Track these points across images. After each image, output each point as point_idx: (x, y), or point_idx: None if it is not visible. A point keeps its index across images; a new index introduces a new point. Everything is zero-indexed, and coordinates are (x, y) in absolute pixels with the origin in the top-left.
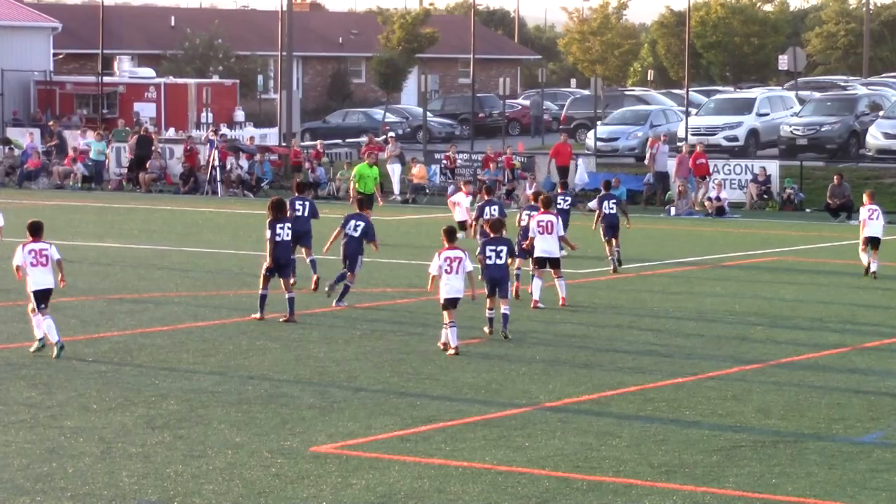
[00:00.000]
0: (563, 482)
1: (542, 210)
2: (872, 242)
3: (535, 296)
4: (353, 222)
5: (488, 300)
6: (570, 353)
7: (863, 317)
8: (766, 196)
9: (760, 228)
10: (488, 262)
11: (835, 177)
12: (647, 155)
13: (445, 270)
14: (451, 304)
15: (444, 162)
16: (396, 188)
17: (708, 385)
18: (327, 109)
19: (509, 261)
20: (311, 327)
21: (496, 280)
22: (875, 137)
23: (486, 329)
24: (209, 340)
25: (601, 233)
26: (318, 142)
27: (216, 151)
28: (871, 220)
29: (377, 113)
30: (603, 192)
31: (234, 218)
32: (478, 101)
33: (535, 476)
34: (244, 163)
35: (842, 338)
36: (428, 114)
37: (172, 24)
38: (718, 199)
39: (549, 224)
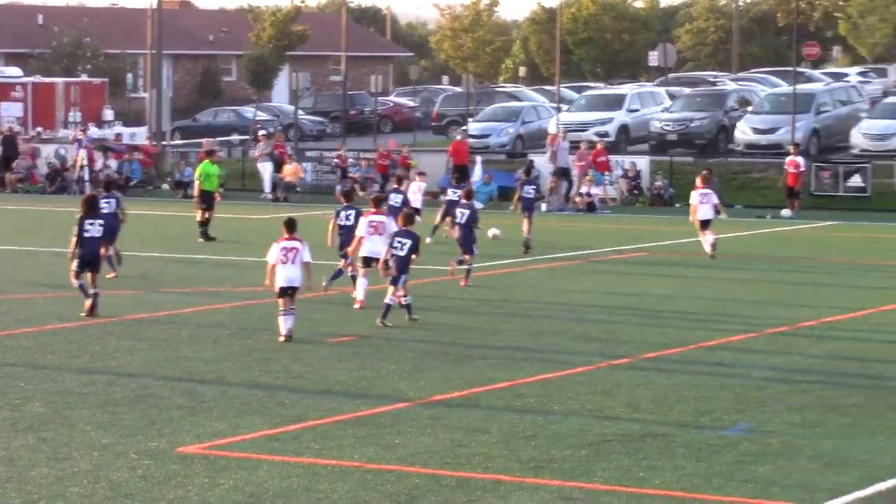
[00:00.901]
0: (432, 479)
1: (373, 210)
2: (703, 224)
3: (360, 296)
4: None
5: (391, 288)
6: (441, 349)
7: (730, 311)
8: (636, 191)
9: (631, 224)
10: (393, 251)
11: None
12: (549, 152)
13: (281, 260)
14: (284, 292)
15: (336, 161)
16: (268, 187)
17: (577, 380)
18: (198, 108)
19: (413, 255)
20: (180, 327)
21: (398, 268)
22: (744, 133)
23: (379, 321)
24: (75, 342)
25: (519, 210)
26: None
27: (84, 151)
28: (702, 203)
29: (248, 111)
30: (524, 178)
31: None
32: (349, 99)
33: (405, 473)
34: (113, 162)
35: (709, 332)
36: (299, 112)
37: (40, 22)
38: (589, 194)
39: (381, 224)
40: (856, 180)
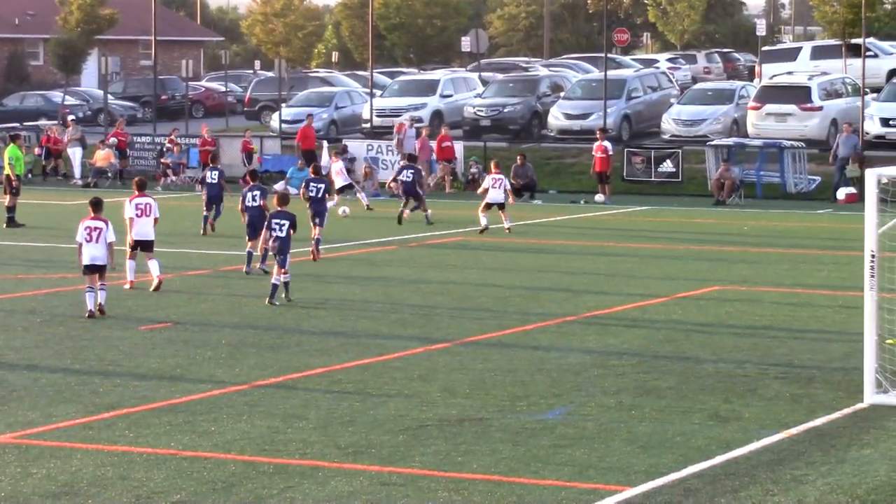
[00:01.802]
0: (249, 466)
1: (137, 194)
2: (499, 207)
3: (130, 276)
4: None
5: (276, 268)
6: (257, 336)
7: (545, 296)
8: (451, 176)
9: (445, 209)
10: (273, 232)
11: (518, 157)
12: (395, 139)
13: (86, 239)
14: (90, 270)
15: (168, 145)
16: (77, 172)
17: (394, 365)
18: (4, 92)
19: (291, 231)
20: None
21: (279, 249)
22: (556, 118)
23: (268, 300)
24: None
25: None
26: None
27: None
28: (493, 188)
29: (56, 96)
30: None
31: None
32: (160, 84)
33: (221, 460)
34: None
35: (525, 316)
36: (109, 96)
37: None
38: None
39: (148, 206)
40: (667, 166)
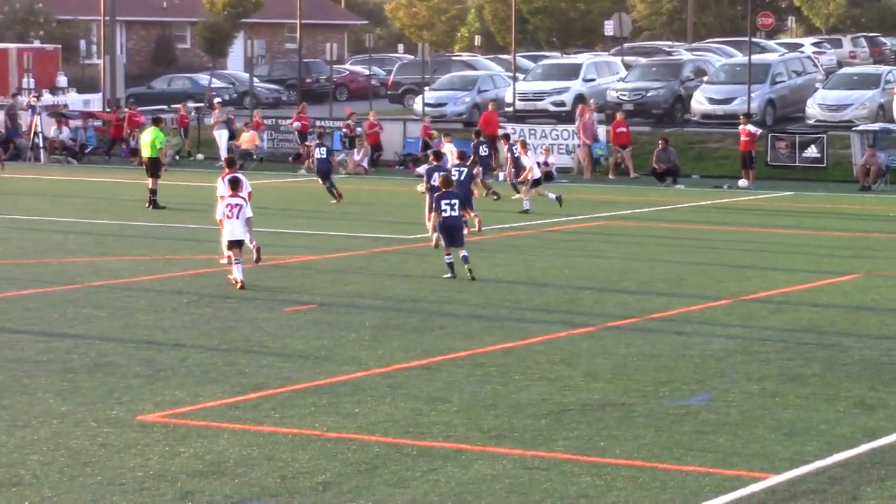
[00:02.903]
0: (392, 448)
1: (228, 171)
2: (536, 182)
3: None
4: None
5: (445, 248)
6: (400, 318)
7: (689, 281)
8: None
9: (588, 193)
10: (443, 213)
11: (660, 142)
12: (578, 122)
13: (227, 215)
14: (233, 245)
15: (345, 130)
16: (223, 154)
17: (537, 349)
18: (152, 75)
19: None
20: (138, 295)
21: (452, 229)
22: (699, 102)
23: (448, 275)
24: (33, 309)
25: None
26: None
27: (38, 117)
28: (534, 167)
29: (203, 79)
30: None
31: (57, 185)
32: (305, 67)
33: (365, 442)
34: (66, 129)
35: (668, 301)
36: (254, 79)
37: None
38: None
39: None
40: (812, 151)
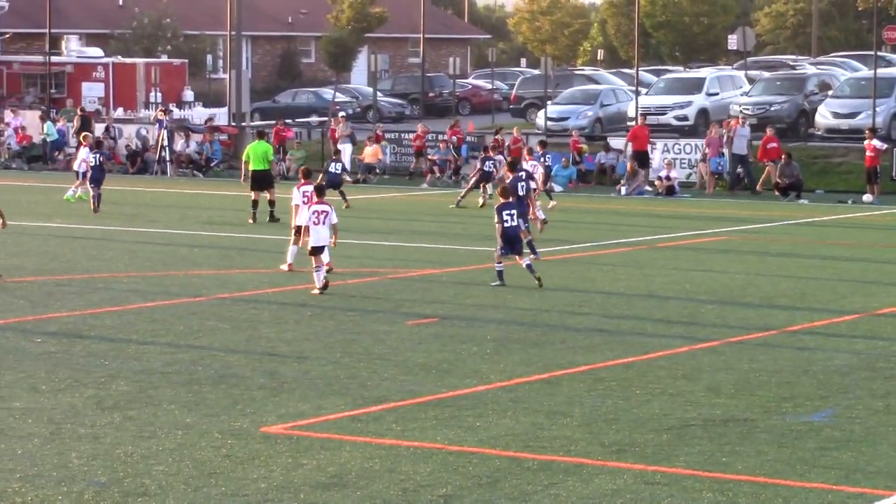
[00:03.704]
0: (513, 462)
1: (303, 181)
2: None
3: (290, 260)
4: None
5: (498, 257)
6: (521, 332)
7: (811, 296)
8: (716, 175)
9: (710, 208)
10: (505, 224)
11: (784, 156)
12: (725, 136)
13: (314, 222)
14: (316, 251)
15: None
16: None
17: (658, 364)
18: (277, 89)
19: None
20: (262, 308)
21: (513, 238)
22: (824, 117)
23: (496, 282)
24: (158, 321)
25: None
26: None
27: (165, 131)
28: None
29: (327, 93)
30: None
31: (183, 198)
32: (428, 81)
33: (486, 456)
34: (194, 143)
35: (791, 316)
36: (378, 93)
37: (121, 2)
38: (668, 178)
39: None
40: None
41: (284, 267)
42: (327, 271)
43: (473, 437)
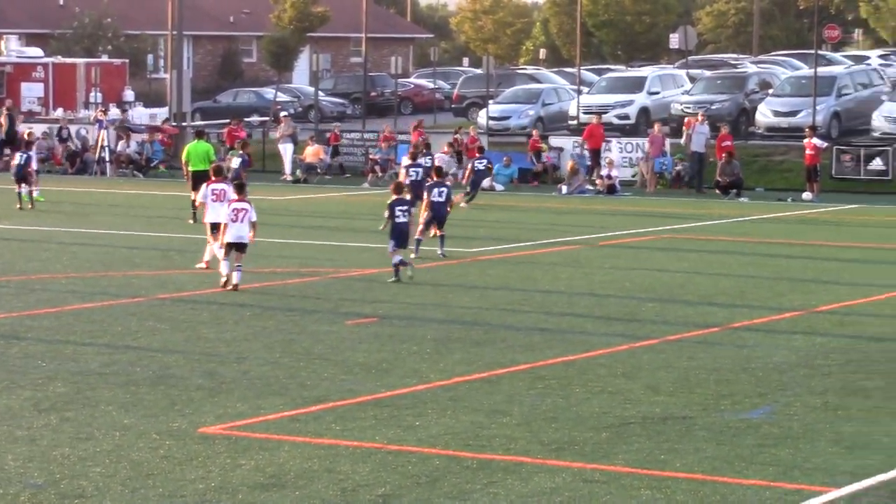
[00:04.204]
0: (453, 461)
1: (213, 179)
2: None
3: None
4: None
5: (392, 252)
6: (462, 331)
7: (751, 293)
8: (658, 174)
9: (651, 206)
10: (396, 219)
11: (724, 154)
12: (684, 135)
13: (231, 219)
14: (233, 247)
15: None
16: (288, 168)
17: (598, 362)
18: (218, 89)
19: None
20: (201, 308)
21: (400, 234)
22: (765, 115)
23: (392, 279)
24: (97, 322)
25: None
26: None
27: (105, 132)
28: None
29: (268, 92)
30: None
31: (123, 198)
32: (370, 80)
33: (426, 455)
34: (134, 143)
35: (730, 314)
36: (319, 93)
37: (61, 2)
38: (609, 176)
39: (223, 192)
40: (877, 163)
41: (202, 265)
42: (205, 267)
43: (413, 437)
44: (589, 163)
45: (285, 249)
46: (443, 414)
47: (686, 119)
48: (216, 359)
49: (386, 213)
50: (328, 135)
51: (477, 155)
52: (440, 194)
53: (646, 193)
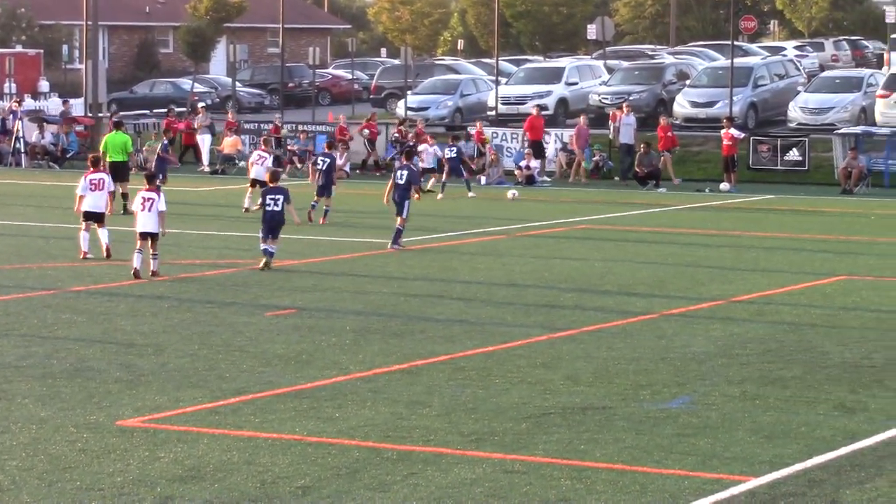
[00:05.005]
0: (373, 452)
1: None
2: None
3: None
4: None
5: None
6: (381, 322)
7: (669, 284)
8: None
9: (570, 197)
10: (266, 207)
11: (642, 145)
12: (612, 127)
13: (140, 209)
14: (143, 236)
15: (397, 135)
16: (206, 159)
17: (517, 353)
18: (134, 79)
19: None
20: (118, 300)
21: (270, 223)
22: (682, 106)
23: (261, 264)
24: (13, 314)
25: None
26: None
27: (20, 122)
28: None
29: (185, 83)
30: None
31: (38, 190)
32: (288, 71)
33: (345, 446)
34: (49, 134)
35: (649, 304)
36: (237, 84)
37: None
38: (528, 167)
39: (101, 181)
40: (794, 154)
41: (81, 255)
42: (106, 256)
43: (332, 428)
44: (510, 155)
45: (203, 241)
46: (363, 405)
47: (611, 111)
48: (134, 351)
49: (258, 202)
50: (269, 127)
51: (451, 142)
52: (401, 177)
53: (569, 184)
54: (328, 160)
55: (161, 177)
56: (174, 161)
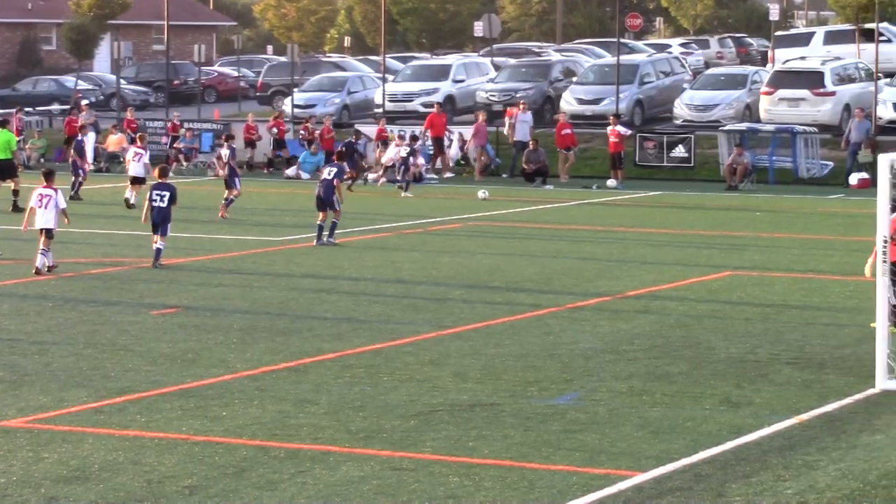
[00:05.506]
0: (260, 451)
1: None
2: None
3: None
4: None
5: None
6: (268, 320)
7: (557, 280)
8: (462, 161)
9: (458, 194)
10: (153, 203)
11: (530, 142)
12: (507, 124)
13: (37, 205)
14: (43, 233)
15: (303, 132)
16: (90, 156)
17: (406, 350)
18: (17, 77)
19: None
20: (1, 300)
21: (155, 218)
22: (569, 103)
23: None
24: None
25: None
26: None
27: None
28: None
29: (69, 80)
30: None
31: None
32: (173, 69)
33: (233, 445)
34: None
35: (537, 300)
36: (122, 81)
37: None
38: (416, 164)
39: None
40: (679, 151)
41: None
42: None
43: (219, 427)
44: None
45: (88, 239)
46: (249, 404)
47: (507, 109)
48: (17, 351)
49: (146, 196)
50: (168, 124)
51: (410, 143)
52: (329, 173)
53: (452, 181)
54: (229, 152)
55: (234, 184)
56: (237, 170)
